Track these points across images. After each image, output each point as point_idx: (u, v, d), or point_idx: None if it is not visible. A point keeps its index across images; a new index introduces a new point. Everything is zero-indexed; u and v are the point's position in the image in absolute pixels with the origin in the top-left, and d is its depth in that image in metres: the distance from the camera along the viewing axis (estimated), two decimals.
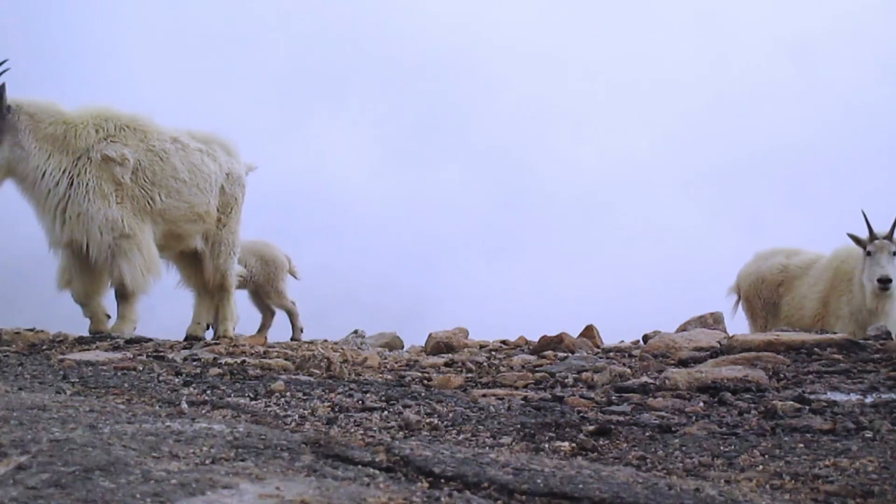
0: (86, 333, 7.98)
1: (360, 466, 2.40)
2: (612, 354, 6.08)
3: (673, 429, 3.32)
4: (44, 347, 6.41)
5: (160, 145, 8.24)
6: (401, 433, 3.17)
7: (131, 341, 6.90)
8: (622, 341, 7.28)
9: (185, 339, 8.56)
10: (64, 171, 7.70)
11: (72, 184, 7.71)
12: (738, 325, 11.02)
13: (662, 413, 3.71)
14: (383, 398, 4.01)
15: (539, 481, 2.21)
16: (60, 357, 5.49)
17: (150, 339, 7.39)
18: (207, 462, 2.28)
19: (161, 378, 4.53)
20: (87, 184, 7.73)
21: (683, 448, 2.96)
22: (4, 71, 8.08)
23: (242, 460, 2.34)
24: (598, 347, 6.73)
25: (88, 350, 6.10)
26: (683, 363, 5.35)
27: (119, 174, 7.82)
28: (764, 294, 10.73)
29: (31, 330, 7.92)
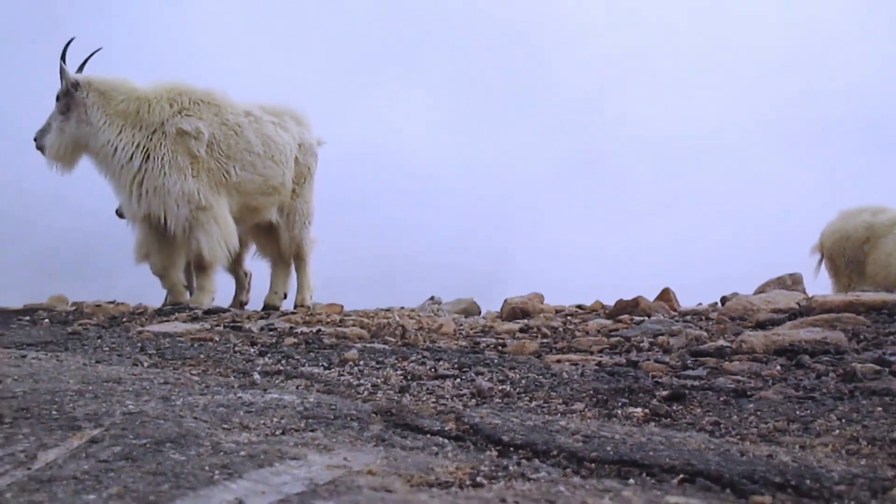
0: (158, 305, 8.10)
1: (429, 435, 2.39)
2: (688, 318, 6.00)
3: (748, 393, 3.26)
4: (123, 320, 6.51)
5: (234, 119, 8.31)
6: (473, 401, 3.16)
7: (209, 312, 6.98)
8: (699, 304, 7.17)
9: (263, 309, 8.65)
10: (138, 146, 7.81)
11: (147, 158, 7.82)
12: (822, 284, 10.82)
13: (738, 377, 3.65)
14: (456, 365, 4.00)
15: (609, 448, 2.19)
16: (139, 329, 5.56)
17: (228, 310, 7.46)
18: (277, 433, 2.29)
19: (237, 348, 4.57)
20: (163, 157, 7.83)
21: (758, 413, 2.91)
22: (92, 54, 8.30)
23: (312, 431, 2.34)
24: (674, 311, 6.64)
25: (167, 322, 6.17)
26: (761, 325, 5.26)
27: (194, 147, 7.90)
28: (848, 252, 10.51)
29: (111, 303, 8.07)
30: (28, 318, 6.99)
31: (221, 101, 8.38)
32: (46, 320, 6.68)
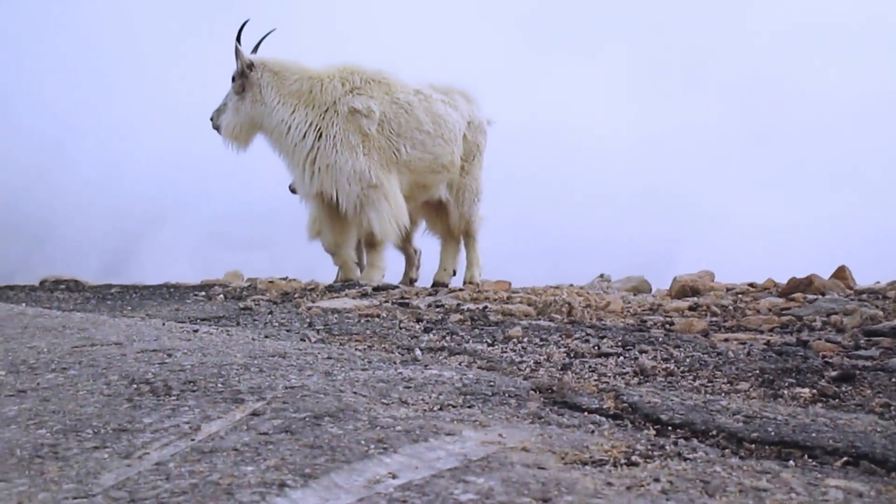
0: (329, 281, 8.27)
1: (586, 413, 2.37)
2: (864, 296, 5.80)
3: None
4: (295, 296, 6.65)
5: (404, 98, 8.38)
6: (635, 379, 3.12)
7: (379, 288, 7.07)
8: (877, 282, 6.92)
9: (432, 286, 8.73)
10: (311, 125, 7.96)
11: (320, 136, 7.96)
12: None
13: None
14: (620, 343, 3.95)
15: (770, 429, 2.13)
16: (309, 305, 5.68)
17: (397, 287, 7.54)
18: (435, 409, 2.30)
19: (402, 325, 4.62)
20: (335, 136, 7.96)
21: None
22: (266, 35, 8.52)
23: (469, 407, 2.35)
24: (850, 289, 6.42)
25: (337, 298, 6.28)
26: None
27: (365, 126, 8.00)
28: None
29: (284, 279, 8.26)
30: (204, 293, 7.21)
31: (392, 80, 8.48)
32: (221, 296, 6.87)
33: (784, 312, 5.12)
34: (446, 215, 9.24)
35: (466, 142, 8.98)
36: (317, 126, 7.99)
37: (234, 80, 8.22)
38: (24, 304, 6.22)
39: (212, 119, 8.49)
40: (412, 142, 8.31)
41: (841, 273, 6.79)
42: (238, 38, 8.17)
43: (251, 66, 8.10)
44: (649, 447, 1.96)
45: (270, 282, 7.95)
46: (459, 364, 3.29)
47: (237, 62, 8.15)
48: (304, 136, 7.97)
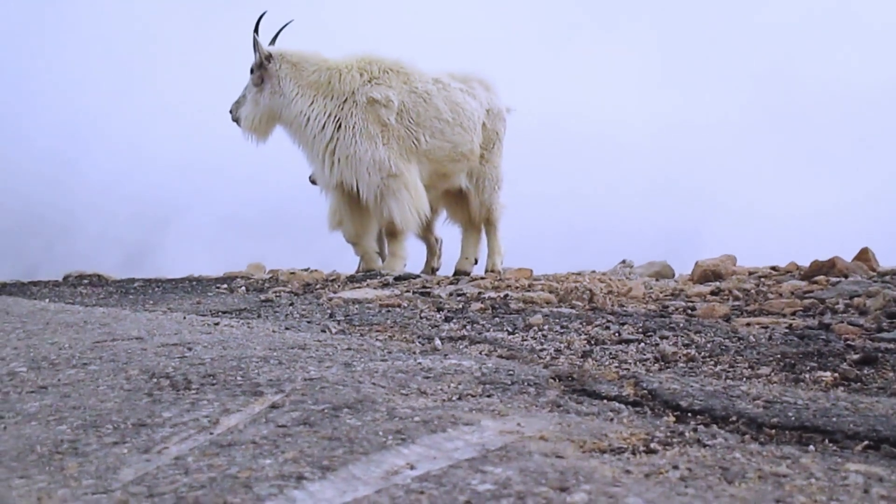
0: (351, 271, 8.28)
1: (605, 401, 2.37)
2: (888, 278, 5.76)
3: None
4: (317, 287, 6.65)
5: (423, 87, 8.37)
6: (655, 365, 3.11)
7: (400, 278, 7.07)
8: None
9: (454, 275, 8.72)
10: (329, 115, 7.97)
11: (339, 127, 7.97)
12: None
13: None
14: (641, 329, 3.94)
15: (791, 414, 2.12)
16: (330, 296, 5.68)
17: (419, 276, 7.53)
18: (454, 399, 2.30)
19: (423, 314, 4.62)
20: (354, 126, 7.96)
21: None
22: (284, 26, 8.54)
23: (488, 396, 2.35)
24: (873, 271, 6.38)
25: (359, 288, 6.28)
26: None
27: (384, 116, 8.00)
28: None
29: (305, 270, 8.27)
30: (226, 285, 7.23)
31: (410, 70, 8.46)
32: (242, 288, 6.89)
33: (806, 295, 5.09)
34: (467, 204, 9.22)
35: (486, 130, 8.95)
36: (336, 117, 8.00)
37: (252, 71, 8.24)
38: (47, 300, 6.26)
39: (231, 111, 8.52)
40: (431, 131, 8.30)
41: (864, 255, 6.75)
42: (256, 30, 8.19)
43: (269, 57, 8.12)
44: (668, 434, 1.96)
45: (292, 273, 7.96)
46: (479, 353, 3.30)
47: (255, 54, 8.16)
48: (323, 127, 7.98)
